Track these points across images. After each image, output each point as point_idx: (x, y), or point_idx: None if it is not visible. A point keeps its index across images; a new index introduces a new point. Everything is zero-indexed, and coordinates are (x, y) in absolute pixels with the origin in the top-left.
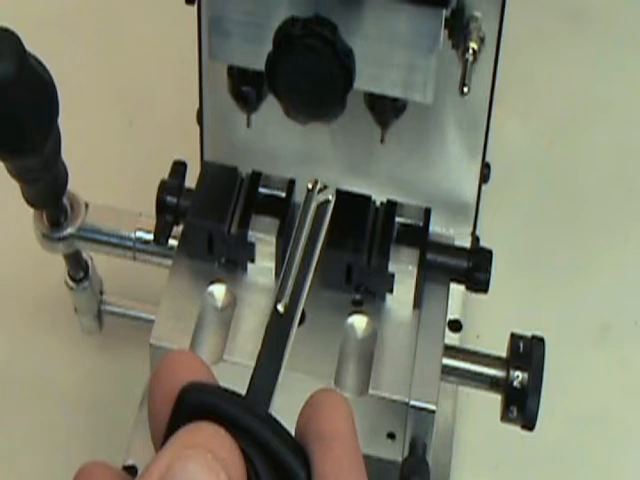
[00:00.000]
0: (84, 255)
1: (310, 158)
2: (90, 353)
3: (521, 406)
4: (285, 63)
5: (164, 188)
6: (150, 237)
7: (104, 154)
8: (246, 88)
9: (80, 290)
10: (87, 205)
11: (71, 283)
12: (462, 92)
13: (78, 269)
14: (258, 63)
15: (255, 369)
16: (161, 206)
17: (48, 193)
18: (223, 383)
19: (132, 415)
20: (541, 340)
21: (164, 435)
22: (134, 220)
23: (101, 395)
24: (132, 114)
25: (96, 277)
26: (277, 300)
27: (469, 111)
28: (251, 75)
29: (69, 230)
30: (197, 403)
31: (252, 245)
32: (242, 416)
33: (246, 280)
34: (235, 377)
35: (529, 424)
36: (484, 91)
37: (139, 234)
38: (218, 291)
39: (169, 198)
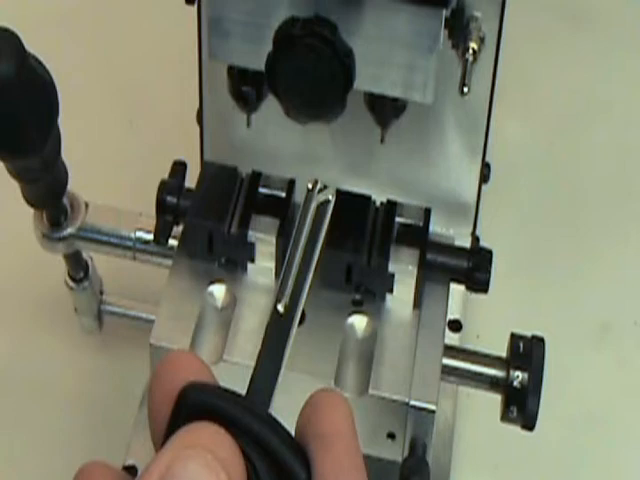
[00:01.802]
0: (84, 255)
1: (310, 158)
2: (90, 353)
3: (521, 406)
4: (285, 63)
5: (164, 188)
6: (150, 237)
7: (104, 154)
8: (246, 88)
9: (80, 290)
10: (87, 205)
11: (71, 283)
12: (462, 92)
13: (78, 269)
14: (258, 63)
15: (255, 369)
16: (161, 206)
17: (48, 193)
18: (223, 383)
19: (132, 415)
20: (541, 340)
21: (164, 435)
22: (134, 220)
23: (101, 395)
24: (132, 114)
25: (96, 277)
26: (277, 300)
27: (469, 111)
28: (251, 75)
29: (69, 230)
30: (197, 403)
31: (252, 245)
32: (242, 416)
33: (246, 280)
34: (235, 377)
35: (529, 424)
36: (484, 91)
37: (139, 234)
38: (218, 291)
39: (169, 198)
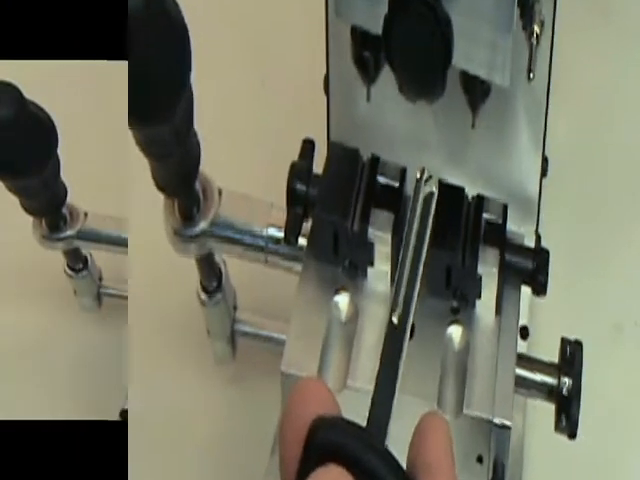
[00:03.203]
0: (216, 259)
1: (419, 143)
2: (223, 383)
3: (567, 414)
4: (398, 26)
5: (294, 172)
6: (281, 234)
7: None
8: (366, 53)
9: (212, 305)
10: (221, 192)
11: (203, 296)
12: (529, 77)
13: (212, 278)
14: (377, 27)
15: (374, 394)
16: (291, 195)
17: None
18: (345, 407)
19: (265, 460)
20: (579, 344)
21: (297, 474)
22: (267, 214)
23: (235, 437)
24: (264, 75)
25: (229, 288)
26: (392, 310)
27: (533, 98)
28: (371, 39)
29: (202, 226)
30: (325, 443)
31: (371, 245)
32: (364, 456)
33: (366, 287)
34: (356, 401)
35: (572, 432)
36: (543, 77)
37: (271, 231)
38: (342, 302)
39: (299, 186)
